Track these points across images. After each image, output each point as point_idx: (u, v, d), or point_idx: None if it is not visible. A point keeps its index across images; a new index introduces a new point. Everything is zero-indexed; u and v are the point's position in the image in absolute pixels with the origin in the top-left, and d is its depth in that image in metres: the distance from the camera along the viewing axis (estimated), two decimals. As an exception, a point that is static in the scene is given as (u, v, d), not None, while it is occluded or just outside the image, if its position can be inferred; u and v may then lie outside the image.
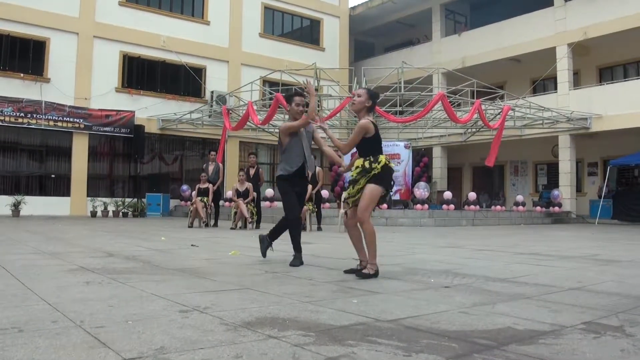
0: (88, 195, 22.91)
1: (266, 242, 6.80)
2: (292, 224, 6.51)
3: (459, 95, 21.65)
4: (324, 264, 6.50)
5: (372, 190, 5.35)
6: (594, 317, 3.63)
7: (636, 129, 22.44)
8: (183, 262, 6.48)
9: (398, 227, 16.86)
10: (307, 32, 31.00)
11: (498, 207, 23.99)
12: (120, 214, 22.58)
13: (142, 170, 24.93)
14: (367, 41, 36.50)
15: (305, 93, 6.59)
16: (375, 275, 5.31)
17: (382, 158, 5.44)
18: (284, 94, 19.29)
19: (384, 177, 5.42)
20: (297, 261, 6.30)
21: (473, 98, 21.00)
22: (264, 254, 6.82)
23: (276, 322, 3.28)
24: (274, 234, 6.76)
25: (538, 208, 24.07)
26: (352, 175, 5.52)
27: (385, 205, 19.51)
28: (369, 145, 5.50)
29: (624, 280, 5.48)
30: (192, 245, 8.88)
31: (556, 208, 23.92)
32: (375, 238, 5.41)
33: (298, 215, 6.56)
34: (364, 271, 5.34)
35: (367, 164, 5.40)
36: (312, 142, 6.60)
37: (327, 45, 31.03)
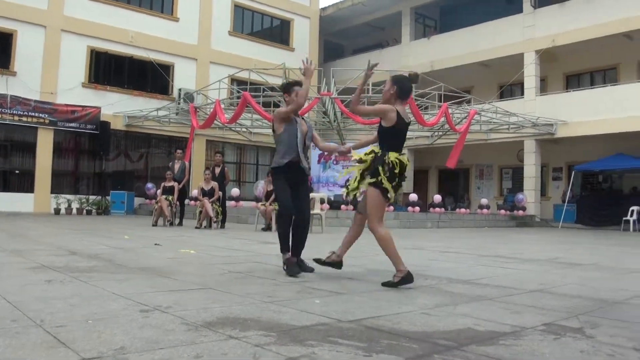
0: (52, 192, 22.55)
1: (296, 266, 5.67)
2: (281, 219, 5.92)
3: (427, 99, 21.82)
4: (288, 264, 6.49)
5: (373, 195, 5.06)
6: (555, 318, 3.69)
7: (601, 136, 22.90)
8: (146, 261, 6.42)
9: (364, 229, 16.91)
10: (277, 32, 30.93)
11: (463, 209, 24.24)
12: (84, 211, 22.28)
13: (107, 167, 24.60)
14: (337, 42, 36.56)
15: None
16: (402, 282, 4.88)
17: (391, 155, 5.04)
18: (252, 94, 19.26)
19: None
20: (294, 268, 5.59)
21: (440, 101, 21.18)
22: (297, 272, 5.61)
23: (238, 322, 3.27)
24: (292, 248, 5.79)
25: (502, 211, 24.37)
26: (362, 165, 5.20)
27: (350, 207, 19.60)
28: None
29: (586, 283, 5.58)
30: (155, 244, 8.80)
31: (520, 211, 24.22)
32: (389, 243, 5.06)
33: (291, 209, 5.76)
34: (393, 279, 4.92)
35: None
36: (311, 142, 6.09)
37: (297, 46, 31.00)
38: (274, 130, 6.04)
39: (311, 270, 5.65)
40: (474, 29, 27.26)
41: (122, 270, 5.53)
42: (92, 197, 23.09)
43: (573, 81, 27.15)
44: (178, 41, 26.32)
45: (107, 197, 23.19)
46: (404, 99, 5.16)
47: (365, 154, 5.25)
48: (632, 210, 21.05)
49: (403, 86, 5.13)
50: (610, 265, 7.63)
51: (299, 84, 6.06)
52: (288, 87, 6.05)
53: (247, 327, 3.15)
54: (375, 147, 5.20)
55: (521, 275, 6.19)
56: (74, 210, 22.06)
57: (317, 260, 5.50)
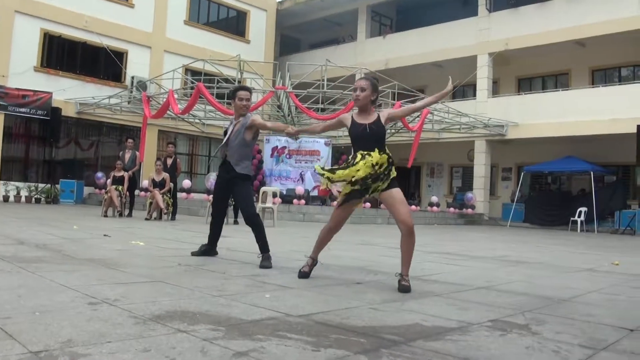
0: (1, 179, 21.93)
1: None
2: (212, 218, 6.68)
3: (380, 96, 21.93)
4: (239, 258, 6.48)
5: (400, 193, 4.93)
6: (501, 315, 3.76)
7: (551, 139, 23.48)
8: (94, 252, 6.32)
9: (315, 223, 16.96)
10: (233, 23, 30.69)
11: (413, 206, 24.45)
12: (33, 199, 21.79)
13: (57, 155, 24.06)
14: (293, 36, 36.47)
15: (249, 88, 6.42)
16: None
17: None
18: (206, 84, 19.08)
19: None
20: (197, 252, 6.47)
21: (394, 100, 21.33)
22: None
23: (186, 315, 3.26)
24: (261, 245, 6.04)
25: (452, 209, 24.70)
26: (379, 169, 4.80)
27: (302, 201, 19.65)
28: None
29: (532, 281, 5.71)
30: (104, 235, 8.67)
31: (469, 210, 24.61)
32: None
33: (216, 209, 6.55)
34: (403, 283, 4.72)
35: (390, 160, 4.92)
36: (248, 134, 6.15)
37: (253, 38, 30.82)
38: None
39: (269, 267, 5.71)
40: (429, 29, 27.51)
41: (70, 261, 5.45)
42: (41, 185, 22.57)
43: (525, 84, 27.70)
44: (132, 28, 25.84)
45: (57, 186, 22.71)
46: (376, 104, 5.15)
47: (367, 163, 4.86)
48: (580, 211, 21.62)
49: (378, 94, 5.14)
50: (556, 264, 7.81)
51: (243, 88, 6.37)
52: (233, 93, 6.33)
53: (195, 321, 3.14)
54: (384, 157, 4.87)
55: (469, 272, 6.29)
56: (23, 198, 21.56)
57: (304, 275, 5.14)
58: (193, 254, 6.42)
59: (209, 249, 6.47)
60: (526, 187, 26.30)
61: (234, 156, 6.13)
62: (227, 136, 6.21)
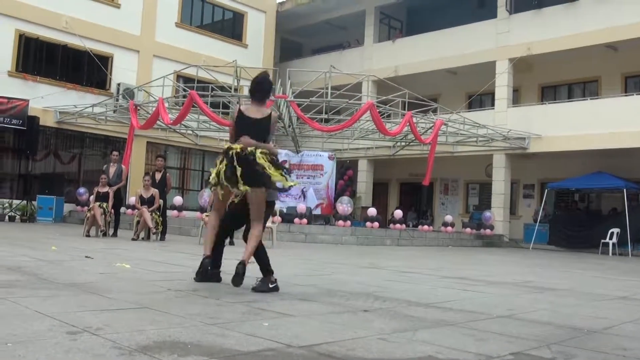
0: (-27, 194, 22.02)
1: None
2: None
3: (390, 106, 21.94)
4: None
5: None
6: (524, 347, 3.72)
7: (579, 152, 23.30)
8: (75, 276, 6.30)
9: (318, 245, 16.92)
10: (229, 26, 30.80)
11: (425, 227, 24.41)
12: (7, 217, 21.78)
13: (34, 168, 24.07)
14: (294, 40, 36.57)
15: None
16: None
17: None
18: (199, 92, 19.10)
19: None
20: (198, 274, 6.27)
21: (404, 110, 21.31)
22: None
23: (177, 346, 3.23)
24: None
25: (468, 230, 24.59)
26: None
27: (304, 220, 19.59)
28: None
29: (558, 310, 5.66)
30: (86, 256, 8.65)
31: (487, 230, 24.49)
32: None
33: (224, 224, 6.48)
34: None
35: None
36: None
37: (251, 42, 30.91)
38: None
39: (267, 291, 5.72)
40: (443, 33, 27.48)
41: (48, 286, 5.42)
42: (16, 202, 22.55)
43: (549, 93, 27.62)
44: (118, 30, 25.87)
45: (34, 202, 22.67)
46: (253, 99, 6.06)
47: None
48: (612, 233, 21.24)
49: (254, 87, 6.07)
50: (585, 291, 7.76)
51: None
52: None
53: (186, 352, 3.12)
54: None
55: (487, 299, 6.26)
56: (-5, 216, 21.59)
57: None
58: (198, 278, 6.13)
59: (216, 273, 6.22)
60: (550, 206, 26.16)
61: None
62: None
